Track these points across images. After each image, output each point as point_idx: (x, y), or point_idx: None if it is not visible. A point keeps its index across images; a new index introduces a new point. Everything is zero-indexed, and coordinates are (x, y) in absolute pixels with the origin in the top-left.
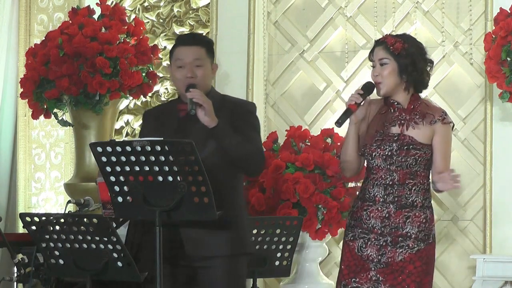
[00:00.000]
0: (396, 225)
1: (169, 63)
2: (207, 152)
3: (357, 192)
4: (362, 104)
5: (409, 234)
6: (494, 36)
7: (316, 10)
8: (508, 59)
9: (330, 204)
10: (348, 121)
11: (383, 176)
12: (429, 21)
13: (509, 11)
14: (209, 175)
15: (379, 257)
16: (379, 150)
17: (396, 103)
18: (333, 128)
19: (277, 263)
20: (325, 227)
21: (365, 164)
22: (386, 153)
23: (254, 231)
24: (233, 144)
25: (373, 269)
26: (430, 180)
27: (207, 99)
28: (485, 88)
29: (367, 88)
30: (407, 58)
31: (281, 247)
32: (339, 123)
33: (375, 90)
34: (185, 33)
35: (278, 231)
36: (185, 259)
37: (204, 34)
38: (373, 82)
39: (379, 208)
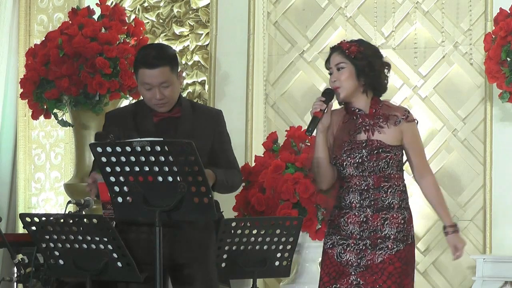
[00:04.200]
0: (374, 228)
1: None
2: None
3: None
4: (326, 110)
5: (387, 235)
6: (494, 36)
7: (316, 11)
8: (508, 59)
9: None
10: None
11: (357, 183)
12: (429, 21)
13: (509, 11)
14: None
15: (359, 260)
16: (349, 159)
17: (357, 109)
18: None
19: (277, 263)
20: (325, 227)
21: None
22: (357, 160)
23: (254, 231)
24: (227, 186)
25: (353, 273)
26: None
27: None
28: (485, 88)
29: (328, 94)
30: (363, 60)
31: (281, 247)
32: (309, 131)
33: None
34: (148, 48)
35: (278, 231)
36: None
37: (164, 45)
38: (331, 88)
39: (356, 213)
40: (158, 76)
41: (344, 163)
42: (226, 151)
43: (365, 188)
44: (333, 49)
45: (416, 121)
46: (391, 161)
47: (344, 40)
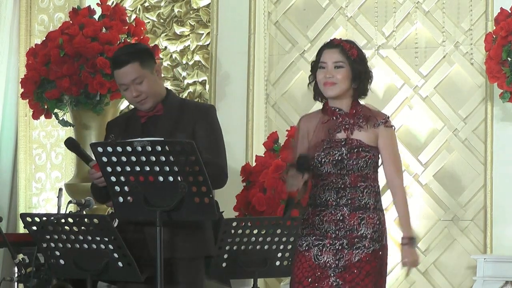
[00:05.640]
0: (351, 227)
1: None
2: None
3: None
4: (303, 177)
5: (364, 235)
6: (494, 36)
7: (316, 10)
8: (509, 59)
9: None
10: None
11: (334, 180)
12: (430, 21)
13: (509, 11)
14: None
15: (337, 261)
16: (328, 156)
17: (338, 109)
18: None
19: (277, 263)
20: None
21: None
22: (336, 158)
23: (255, 231)
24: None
25: (332, 275)
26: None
27: None
28: (485, 88)
29: (302, 163)
30: (361, 65)
31: (281, 247)
32: (286, 215)
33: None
34: (117, 51)
35: (278, 231)
36: (147, 258)
37: (136, 42)
38: (306, 155)
39: (333, 212)
40: (128, 73)
41: (323, 160)
42: (210, 146)
43: (342, 186)
44: (332, 45)
45: (394, 128)
46: (369, 161)
47: (340, 38)
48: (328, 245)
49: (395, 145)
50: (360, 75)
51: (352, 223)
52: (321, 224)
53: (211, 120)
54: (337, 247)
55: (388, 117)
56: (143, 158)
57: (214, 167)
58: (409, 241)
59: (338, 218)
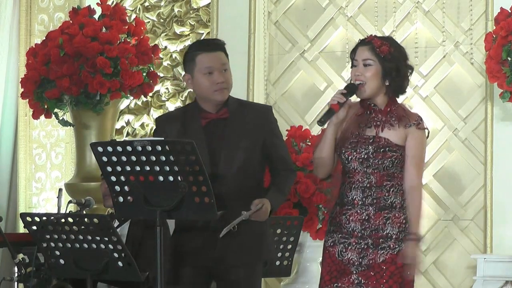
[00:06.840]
0: (376, 227)
1: (186, 72)
2: (235, 165)
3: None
4: (343, 104)
5: (389, 235)
6: (494, 36)
7: (316, 10)
8: (509, 59)
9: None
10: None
11: (360, 179)
12: (430, 21)
13: (509, 11)
14: (236, 185)
15: (360, 260)
16: (354, 153)
17: (373, 104)
18: None
19: (277, 263)
20: (326, 227)
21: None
22: (363, 156)
23: None
24: (283, 200)
25: (354, 272)
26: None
27: (262, 215)
28: (485, 88)
29: (350, 88)
30: (392, 62)
31: (281, 247)
32: (321, 122)
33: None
34: (203, 39)
35: (278, 231)
36: (205, 263)
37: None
38: (355, 83)
39: (358, 211)
40: (220, 57)
41: (350, 157)
42: (279, 148)
43: (368, 185)
44: (363, 43)
45: (426, 131)
46: (396, 161)
47: (374, 35)
48: (354, 243)
49: (422, 148)
50: (390, 72)
51: (377, 222)
52: (347, 223)
53: (273, 122)
54: (362, 246)
55: (421, 119)
56: (143, 158)
57: (292, 175)
58: (416, 237)
59: (363, 217)
